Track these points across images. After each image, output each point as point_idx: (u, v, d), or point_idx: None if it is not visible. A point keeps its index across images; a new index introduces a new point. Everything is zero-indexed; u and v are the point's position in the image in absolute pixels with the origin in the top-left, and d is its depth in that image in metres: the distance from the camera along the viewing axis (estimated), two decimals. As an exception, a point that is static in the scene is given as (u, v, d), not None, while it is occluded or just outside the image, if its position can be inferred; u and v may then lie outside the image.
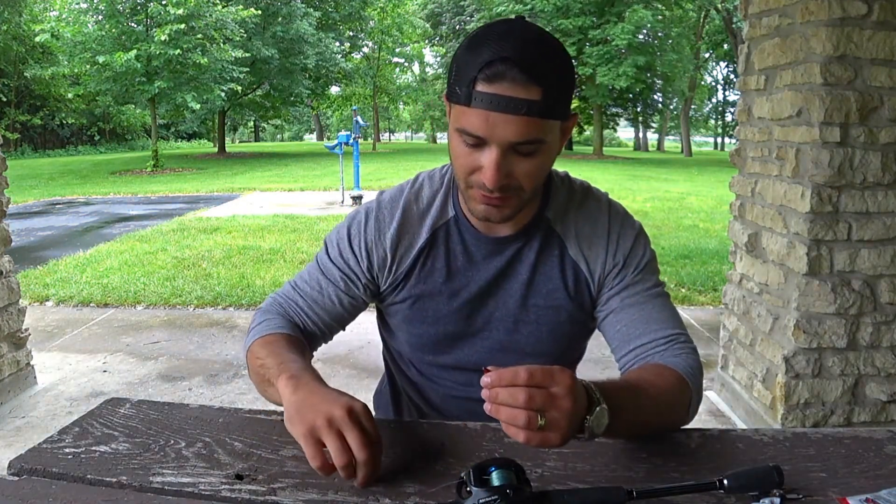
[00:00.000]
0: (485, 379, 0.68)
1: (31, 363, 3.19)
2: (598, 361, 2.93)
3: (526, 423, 0.66)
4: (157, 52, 16.46)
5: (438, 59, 36.65)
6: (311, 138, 52.02)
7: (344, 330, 1.08)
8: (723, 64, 39.54)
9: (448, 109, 0.90)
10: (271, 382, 0.86)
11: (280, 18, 22.25)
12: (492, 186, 0.83)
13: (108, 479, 0.78)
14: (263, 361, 0.91)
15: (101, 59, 16.50)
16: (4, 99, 24.64)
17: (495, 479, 0.66)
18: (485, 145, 0.83)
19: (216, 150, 25.64)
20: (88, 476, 0.79)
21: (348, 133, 10.04)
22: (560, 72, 0.82)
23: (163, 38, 16.09)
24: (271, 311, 1.02)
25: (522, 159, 0.84)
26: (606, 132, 36.18)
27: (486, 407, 0.68)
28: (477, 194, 0.88)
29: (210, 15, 17.54)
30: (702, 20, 30.46)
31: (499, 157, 0.82)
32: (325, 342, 1.07)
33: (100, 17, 17.85)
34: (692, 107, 35.98)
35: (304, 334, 1.01)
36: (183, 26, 16.52)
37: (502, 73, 0.78)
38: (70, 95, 22.52)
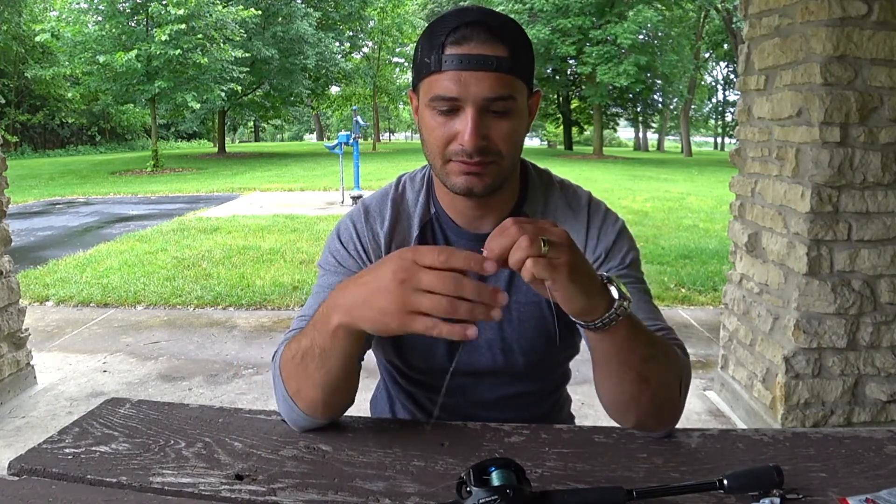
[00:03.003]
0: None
1: (31, 363, 3.19)
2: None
3: (528, 245, 0.67)
4: (158, 53, 16.46)
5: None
6: (311, 138, 52.00)
7: (370, 345, 0.99)
8: (723, 64, 39.57)
9: (415, 104, 0.92)
10: (326, 325, 0.78)
11: (280, 18, 22.24)
12: (471, 147, 0.83)
13: (108, 479, 0.78)
14: (299, 344, 0.83)
15: (101, 58, 16.49)
16: (4, 100, 24.62)
17: (495, 479, 0.66)
18: (459, 110, 0.84)
19: (216, 150, 25.61)
20: (88, 476, 0.79)
21: (348, 133, 10.04)
22: (522, 35, 0.87)
23: (163, 38, 16.08)
24: (285, 340, 0.94)
25: (497, 120, 0.85)
26: (606, 132, 36.16)
27: (484, 254, 0.69)
28: (456, 167, 0.87)
29: (210, 15, 17.54)
30: (702, 20, 30.45)
31: (475, 116, 0.83)
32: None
33: (100, 18, 17.83)
34: (692, 107, 35.97)
35: None
36: (183, 26, 16.51)
37: (469, 36, 0.82)
38: (70, 95, 22.50)
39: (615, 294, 0.74)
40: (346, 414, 0.93)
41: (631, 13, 21.76)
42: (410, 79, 0.94)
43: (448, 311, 0.67)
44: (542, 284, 0.70)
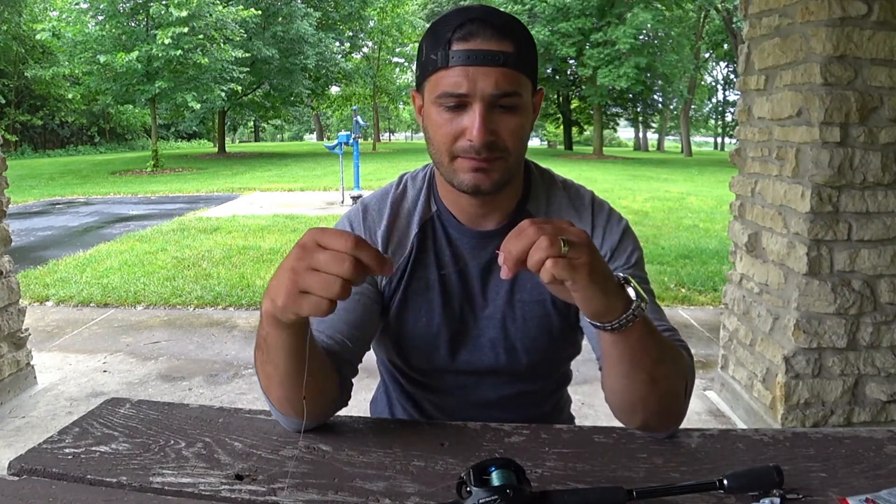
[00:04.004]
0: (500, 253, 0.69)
1: (31, 363, 3.19)
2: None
3: (549, 245, 0.66)
4: (159, 54, 16.45)
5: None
6: (311, 138, 51.99)
7: (368, 347, 0.98)
8: (723, 64, 39.57)
9: (419, 103, 0.92)
10: (262, 327, 0.77)
11: (280, 18, 22.23)
12: (479, 143, 0.83)
13: (108, 479, 0.78)
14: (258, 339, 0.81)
15: (102, 58, 16.49)
16: (4, 100, 24.61)
17: (495, 479, 0.66)
18: (467, 106, 0.84)
19: (216, 150, 25.60)
20: (88, 476, 0.79)
21: (348, 133, 10.04)
22: (525, 32, 0.87)
23: (166, 41, 16.07)
24: None
25: (504, 116, 0.85)
26: (606, 132, 36.16)
27: (500, 260, 0.68)
28: (463, 164, 0.87)
29: (210, 15, 17.53)
30: (702, 20, 30.45)
31: (483, 112, 0.83)
32: (353, 360, 0.94)
33: (100, 17, 17.82)
34: (692, 107, 35.96)
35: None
36: (185, 28, 16.49)
37: (475, 32, 0.83)
38: (70, 95, 22.50)
39: (632, 295, 0.74)
40: (346, 414, 0.93)
41: (629, 15, 21.74)
42: (413, 78, 0.94)
43: (334, 292, 0.64)
44: (560, 286, 0.70)
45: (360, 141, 10.32)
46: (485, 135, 0.83)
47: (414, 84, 0.93)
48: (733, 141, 3.22)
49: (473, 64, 0.82)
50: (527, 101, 0.87)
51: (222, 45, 18.25)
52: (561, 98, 30.50)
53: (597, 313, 0.73)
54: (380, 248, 0.99)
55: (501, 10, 0.90)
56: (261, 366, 0.82)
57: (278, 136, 58.55)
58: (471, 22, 0.83)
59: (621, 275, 0.76)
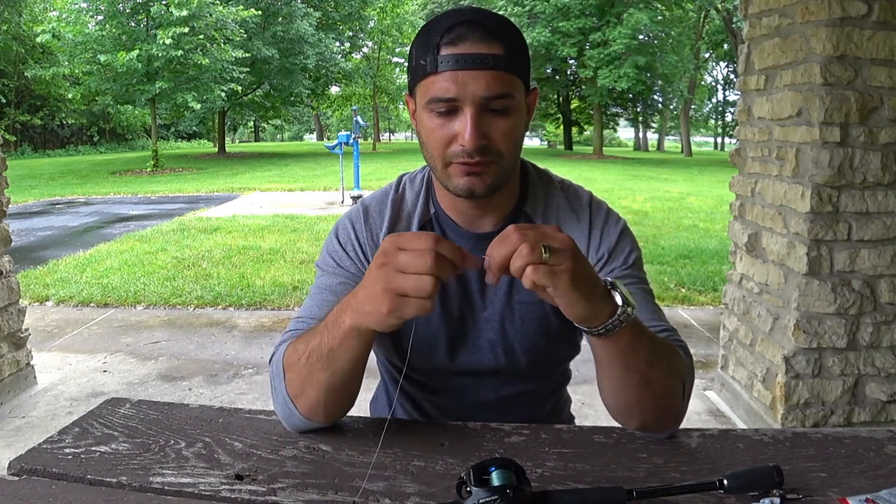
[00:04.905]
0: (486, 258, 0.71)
1: (31, 363, 3.19)
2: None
3: (529, 252, 0.67)
4: (159, 54, 16.45)
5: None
6: (311, 138, 52.00)
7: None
8: (723, 64, 39.56)
9: (412, 108, 0.91)
10: (338, 325, 0.79)
11: (280, 18, 22.23)
12: (471, 146, 0.83)
13: (108, 479, 0.78)
14: (306, 345, 0.83)
15: (102, 58, 16.49)
16: (4, 100, 24.60)
17: (495, 479, 0.66)
18: (458, 110, 0.84)
19: (216, 150, 25.60)
20: (88, 476, 0.79)
21: (348, 133, 10.04)
22: (516, 33, 0.86)
23: (167, 41, 16.06)
24: (283, 342, 0.92)
25: (496, 118, 0.84)
26: (606, 132, 36.14)
27: (485, 265, 0.70)
28: (456, 169, 0.87)
29: (211, 15, 17.53)
30: (702, 20, 30.45)
31: (474, 115, 0.83)
32: None
33: (100, 17, 17.81)
34: (692, 107, 35.95)
35: None
36: (186, 29, 16.48)
37: (464, 35, 0.82)
38: (70, 95, 22.50)
39: (619, 300, 0.74)
40: (346, 414, 0.93)
41: (625, 15, 21.74)
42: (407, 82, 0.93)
43: (426, 289, 0.68)
44: (545, 291, 0.70)
45: (360, 141, 10.32)
46: (476, 139, 0.83)
47: (407, 88, 0.93)
48: (733, 141, 3.22)
49: (462, 68, 0.81)
50: (519, 103, 0.86)
51: (222, 45, 18.24)
52: (561, 98, 30.50)
53: (582, 318, 0.73)
54: None
55: (493, 11, 0.90)
56: (309, 373, 0.83)
57: (278, 136, 58.54)
58: (459, 25, 0.82)
59: (609, 279, 0.76)
